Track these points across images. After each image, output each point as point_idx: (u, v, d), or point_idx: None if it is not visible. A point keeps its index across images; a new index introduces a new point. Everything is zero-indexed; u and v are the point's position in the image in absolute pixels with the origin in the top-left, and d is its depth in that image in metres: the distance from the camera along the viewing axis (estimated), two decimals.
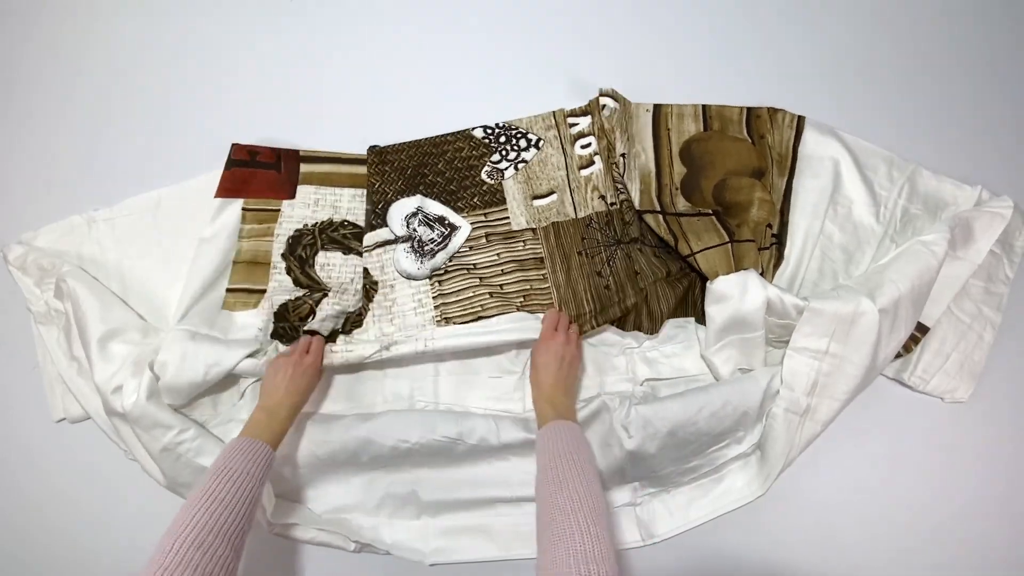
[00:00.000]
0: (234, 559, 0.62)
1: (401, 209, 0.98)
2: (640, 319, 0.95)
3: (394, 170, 1.00)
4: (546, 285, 0.94)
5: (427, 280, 0.94)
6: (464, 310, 0.92)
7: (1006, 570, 0.89)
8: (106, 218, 1.00)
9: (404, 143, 1.02)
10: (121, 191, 1.01)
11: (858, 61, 1.10)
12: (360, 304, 0.95)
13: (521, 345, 0.93)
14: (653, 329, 0.95)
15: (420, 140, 1.02)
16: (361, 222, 0.99)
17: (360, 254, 0.97)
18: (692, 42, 1.11)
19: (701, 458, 0.87)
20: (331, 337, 0.92)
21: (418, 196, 0.98)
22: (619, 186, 0.99)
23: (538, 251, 0.96)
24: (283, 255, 0.97)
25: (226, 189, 0.98)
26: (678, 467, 0.87)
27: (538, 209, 0.99)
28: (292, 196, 1.00)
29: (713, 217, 0.96)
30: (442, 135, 1.03)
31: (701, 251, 0.91)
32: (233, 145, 1.00)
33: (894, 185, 0.98)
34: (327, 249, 0.98)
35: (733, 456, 0.87)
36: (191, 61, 1.10)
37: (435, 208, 0.98)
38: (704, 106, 1.03)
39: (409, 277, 0.94)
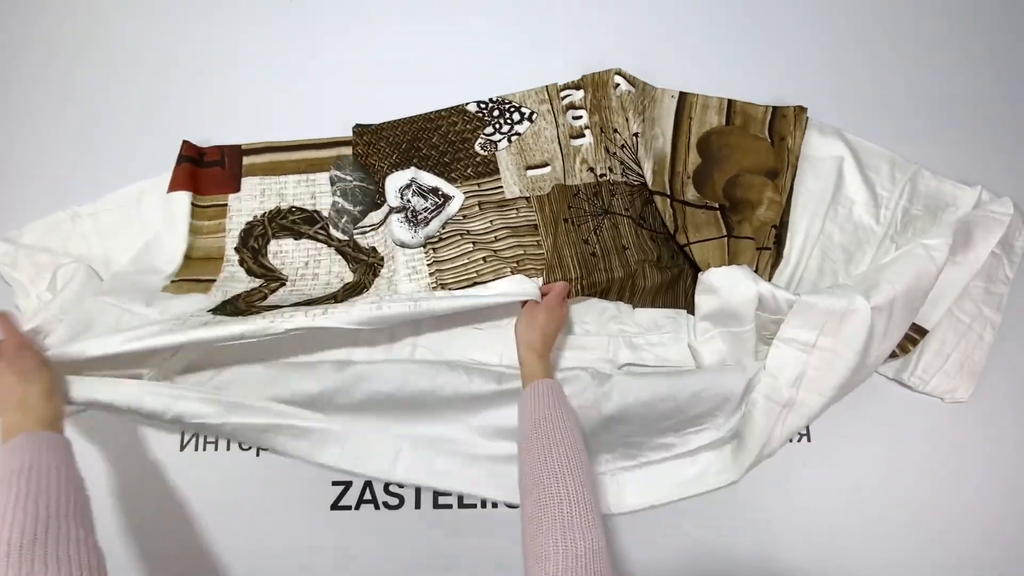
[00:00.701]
0: (88, 533, 0.60)
1: (395, 182, 0.99)
2: (624, 291, 0.95)
3: (388, 145, 1.01)
4: (540, 251, 0.94)
5: (421, 248, 0.95)
6: (458, 276, 0.93)
7: (1006, 570, 0.89)
8: (90, 213, 1.00)
9: (398, 119, 1.03)
10: (113, 190, 1.01)
11: (859, 61, 1.09)
12: (346, 283, 0.95)
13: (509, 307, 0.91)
14: (633, 302, 0.96)
15: (414, 116, 1.04)
16: (307, 206, 1.00)
17: (311, 237, 0.99)
18: (692, 41, 1.11)
19: (677, 437, 0.86)
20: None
21: (412, 168, 0.99)
22: (632, 163, 0.99)
23: (532, 219, 0.97)
24: (236, 248, 0.98)
25: (178, 184, 0.98)
26: (651, 440, 0.86)
27: (532, 179, 1.00)
28: (237, 190, 1.01)
29: (718, 212, 0.96)
30: (436, 111, 1.04)
31: (697, 242, 0.91)
32: (184, 142, 1.00)
33: (896, 186, 0.98)
34: (278, 237, 0.99)
35: (709, 441, 0.86)
36: (183, 59, 1.10)
37: (428, 179, 0.99)
38: (729, 101, 1.03)
39: (403, 245, 0.95)
